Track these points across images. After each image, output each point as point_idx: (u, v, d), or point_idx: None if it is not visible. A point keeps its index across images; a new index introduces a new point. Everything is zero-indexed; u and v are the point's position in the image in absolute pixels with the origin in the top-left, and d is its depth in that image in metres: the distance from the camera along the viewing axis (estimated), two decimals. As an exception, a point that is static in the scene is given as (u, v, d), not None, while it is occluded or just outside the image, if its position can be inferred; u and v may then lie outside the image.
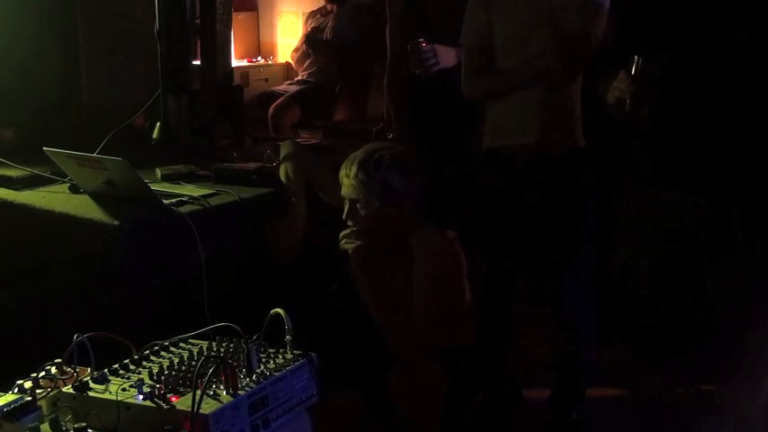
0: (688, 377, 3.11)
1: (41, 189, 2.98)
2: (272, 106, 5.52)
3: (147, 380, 1.83)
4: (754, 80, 2.59)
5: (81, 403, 1.78)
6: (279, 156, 3.20)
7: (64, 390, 1.82)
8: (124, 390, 1.77)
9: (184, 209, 2.70)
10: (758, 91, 2.59)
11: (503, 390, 3.37)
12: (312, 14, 5.79)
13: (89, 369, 1.94)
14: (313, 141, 4.51)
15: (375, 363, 2.83)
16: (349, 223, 3.04)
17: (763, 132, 2.62)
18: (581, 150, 3.11)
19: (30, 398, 1.81)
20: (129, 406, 1.73)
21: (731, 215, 2.66)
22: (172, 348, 2.02)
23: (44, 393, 1.86)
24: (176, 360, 1.91)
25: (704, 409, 2.93)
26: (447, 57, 3.34)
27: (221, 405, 1.70)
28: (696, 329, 2.96)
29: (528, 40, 3.02)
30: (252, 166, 3.17)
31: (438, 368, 2.79)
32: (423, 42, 3.30)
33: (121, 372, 1.88)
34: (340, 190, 3.00)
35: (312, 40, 5.66)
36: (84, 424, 1.71)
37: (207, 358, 1.79)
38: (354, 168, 2.93)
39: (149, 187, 2.78)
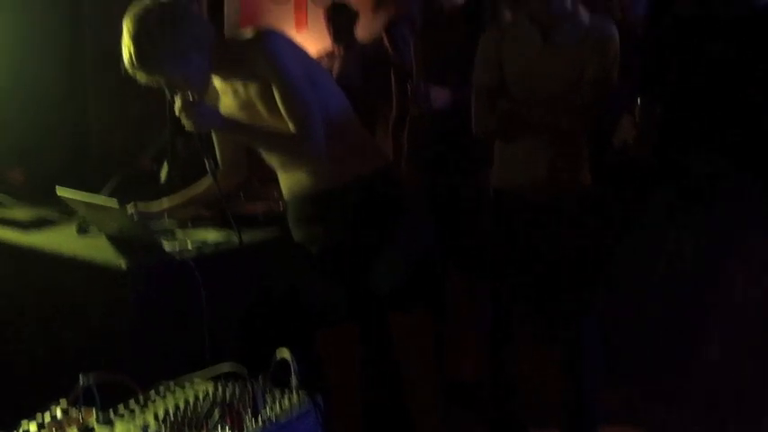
0: (695, 421, 3.08)
1: (49, 230, 3.00)
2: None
3: (152, 423, 1.82)
4: (754, 116, 2.60)
5: (86, 447, 1.78)
6: None
7: (69, 433, 1.82)
8: (130, 433, 1.77)
9: (189, 254, 2.70)
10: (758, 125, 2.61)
11: (510, 430, 3.35)
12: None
13: (94, 410, 1.93)
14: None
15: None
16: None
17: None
18: (587, 188, 3.12)
19: (35, 441, 1.80)
20: (134, 449, 1.73)
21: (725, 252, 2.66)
22: (177, 389, 2.02)
23: (49, 437, 1.85)
24: (181, 403, 1.91)
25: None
26: (439, 97, 3.38)
27: (226, 448, 1.69)
28: (705, 373, 2.93)
29: (537, 76, 3.03)
30: (259, 207, 3.19)
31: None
32: (422, 83, 3.34)
33: (127, 414, 1.88)
34: None
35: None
36: (89, 467, 1.70)
37: (213, 403, 1.78)
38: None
39: (150, 231, 2.78)
